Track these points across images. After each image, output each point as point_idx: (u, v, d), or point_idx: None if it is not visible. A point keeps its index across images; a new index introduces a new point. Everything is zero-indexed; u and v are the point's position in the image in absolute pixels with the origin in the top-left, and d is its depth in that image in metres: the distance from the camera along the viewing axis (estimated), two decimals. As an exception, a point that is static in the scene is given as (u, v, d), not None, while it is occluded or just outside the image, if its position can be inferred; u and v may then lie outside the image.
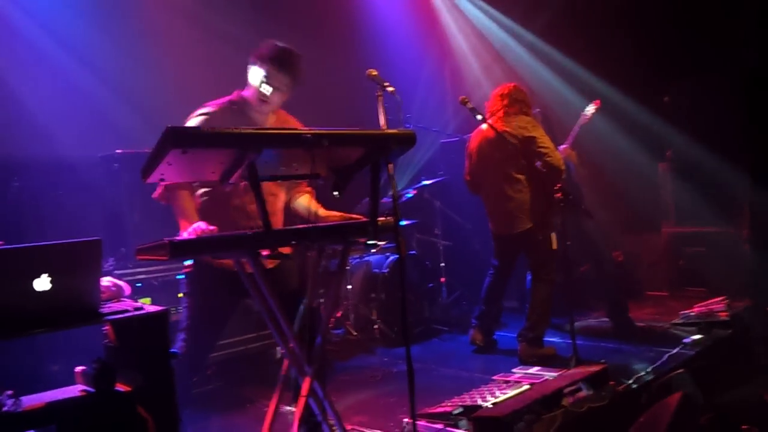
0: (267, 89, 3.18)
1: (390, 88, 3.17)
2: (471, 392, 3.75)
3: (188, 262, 3.24)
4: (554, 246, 4.89)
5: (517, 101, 4.99)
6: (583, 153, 5.63)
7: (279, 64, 3.14)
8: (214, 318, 3.29)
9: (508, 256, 5.20)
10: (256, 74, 3.19)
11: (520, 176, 4.88)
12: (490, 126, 4.70)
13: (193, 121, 3.16)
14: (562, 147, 5.43)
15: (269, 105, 3.24)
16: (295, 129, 2.55)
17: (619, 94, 6.79)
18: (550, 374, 3.91)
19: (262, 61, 3.16)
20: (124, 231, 4.36)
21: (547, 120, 5.65)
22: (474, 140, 5.16)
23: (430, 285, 6.14)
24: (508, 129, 4.84)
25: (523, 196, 4.88)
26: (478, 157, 5.09)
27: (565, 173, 4.99)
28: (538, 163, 4.79)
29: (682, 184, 6.81)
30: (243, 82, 3.28)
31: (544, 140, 4.83)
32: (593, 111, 5.56)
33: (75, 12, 5.03)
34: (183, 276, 3.30)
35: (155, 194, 3.14)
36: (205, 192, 3.26)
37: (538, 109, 5.67)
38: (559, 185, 4.38)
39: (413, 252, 6.25)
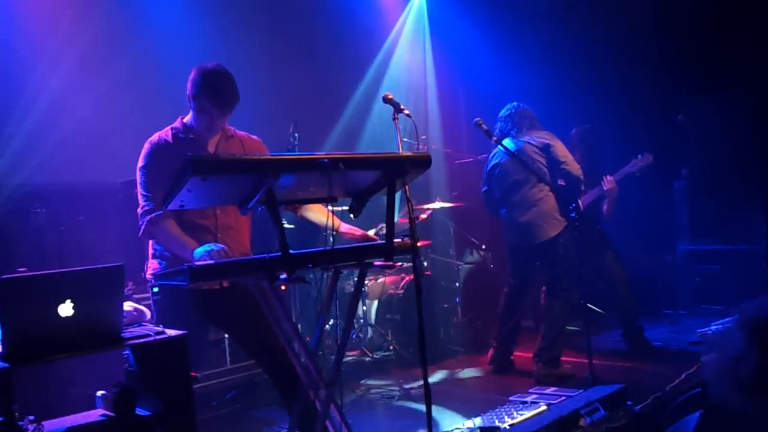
0: (211, 117, 3.19)
1: (406, 111, 3.22)
2: (488, 413, 3.74)
3: (155, 290, 3.21)
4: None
5: (526, 117, 5.10)
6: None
7: (218, 93, 3.15)
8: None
9: (525, 271, 5.20)
10: (197, 104, 3.20)
11: (542, 185, 4.90)
12: (504, 148, 4.79)
13: (142, 154, 3.21)
14: (610, 178, 5.41)
15: (215, 129, 3.28)
16: (312, 154, 2.59)
17: (632, 112, 6.81)
18: (567, 395, 3.89)
19: (200, 92, 3.16)
20: (143, 256, 4.40)
21: (587, 139, 5.69)
22: (494, 158, 5.20)
23: (445, 305, 6.14)
24: (527, 139, 4.96)
25: (545, 206, 4.89)
26: (499, 174, 5.12)
27: (587, 198, 5.05)
28: (559, 178, 4.89)
29: (697, 202, 6.79)
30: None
31: (563, 150, 4.94)
32: (642, 165, 5.47)
33: (96, 40, 5.14)
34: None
35: (140, 234, 3.17)
36: None
37: (578, 127, 5.72)
38: (574, 206, 4.43)
39: (428, 273, 6.26)
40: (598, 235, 5.55)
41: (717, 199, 6.63)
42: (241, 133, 3.45)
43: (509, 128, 5.12)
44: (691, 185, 6.83)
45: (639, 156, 5.50)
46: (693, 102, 6.77)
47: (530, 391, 4.14)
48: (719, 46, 6.51)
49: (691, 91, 6.81)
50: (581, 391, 3.92)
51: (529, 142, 4.95)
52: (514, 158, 4.89)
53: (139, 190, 3.20)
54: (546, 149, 4.91)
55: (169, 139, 3.25)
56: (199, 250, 2.83)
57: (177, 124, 3.32)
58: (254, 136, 3.48)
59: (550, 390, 4.10)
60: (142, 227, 3.15)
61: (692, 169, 6.83)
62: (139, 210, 3.17)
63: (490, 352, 5.35)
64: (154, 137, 3.27)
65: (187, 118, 3.31)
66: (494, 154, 5.22)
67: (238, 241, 3.28)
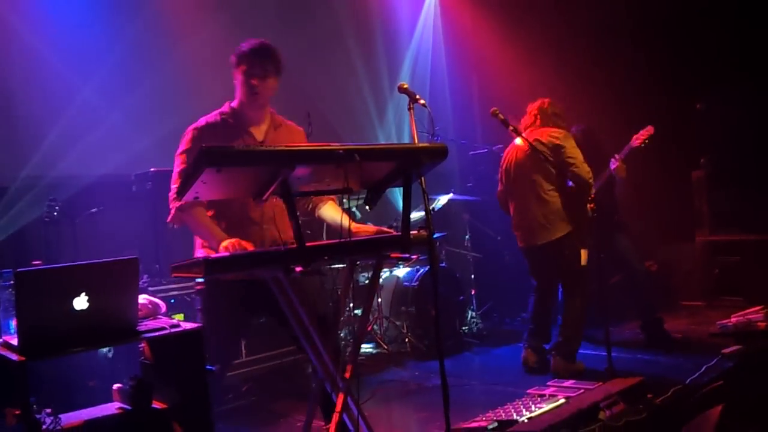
0: (254, 81, 3.16)
1: (421, 101, 3.18)
2: (505, 406, 3.69)
3: (200, 279, 3.22)
4: (583, 262, 4.77)
5: (553, 115, 4.95)
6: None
7: (257, 54, 3.15)
8: (230, 334, 3.27)
9: (543, 271, 5.05)
10: (240, 74, 3.18)
11: (548, 186, 4.80)
12: (521, 137, 4.70)
13: (186, 138, 3.18)
14: (616, 156, 5.32)
15: (260, 99, 3.22)
16: (327, 145, 2.55)
17: (650, 101, 6.72)
18: (585, 387, 3.84)
19: (241, 59, 3.16)
20: (157, 248, 4.42)
21: (589, 138, 5.55)
22: (507, 155, 5.09)
23: (461, 297, 6.10)
24: (538, 137, 4.80)
25: (550, 207, 4.78)
26: (509, 171, 5.02)
27: (596, 184, 4.94)
28: (568, 179, 4.76)
29: (716, 192, 6.70)
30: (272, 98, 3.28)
31: (573, 151, 4.75)
32: (644, 138, 5.35)
33: (111, 33, 5.14)
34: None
35: (168, 219, 3.14)
36: (208, 204, 3.23)
37: (577, 127, 5.58)
38: (592, 196, 4.34)
39: (443, 264, 6.23)
40: (614, 226, 5.47)
41: (737, 189, 6.54)
42: (289, 122, 3.41)
43: (530, 123, 5.01)
44: (710, 175, 6.74)
45: (640, 131, 5.40)
46: (712, 91, 6.66)
47: (548, 384, 4.10)
48: (739, 34, 6.41)
49: (709, 80, 6.70)
50: (600, 383, 3.87)
51: (539, 140, 4.79)
52: (525, 154, 4.81)
53: (175, 175, 3.15)
54: (556, 150, 4.74)
55: (217, 122, 3.21)
56: (225, 243, 2.80)
57: (224, 108, 3.27)
58: (299, 127, 3.44)
59: (568, 383, 4.05)
60: (172, 212, 3.11)
61: (711, 158, 6.74)
62: (170, 194, 3.13)
63: (525, 354, 5.08)
64: (200, 122, 3.22)
65: (234, 102, 3.26)
66: (508, 151, 5.12)
67: (284, 231, 3.19)
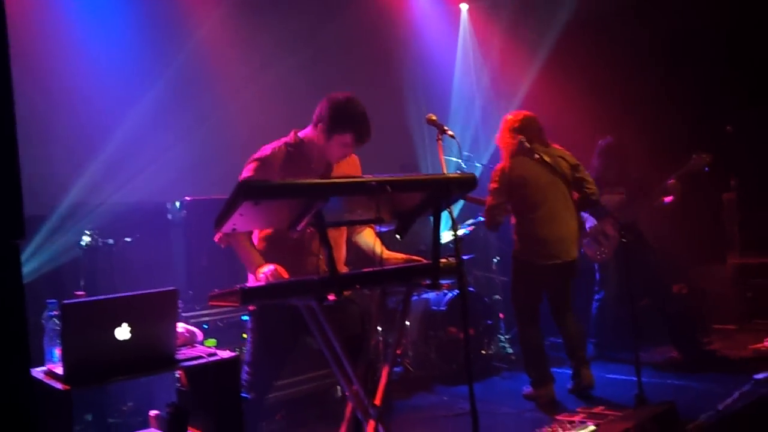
0: (344, 152, 3.29)
1: (449, 132, 3.24)
2: (535, 433, 3.71)
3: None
4: None
5: (541, 129, 4.84)
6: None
7: (363, 129, 3.22)
8: (277, 354, 3.37)
9: (542, 290, 4.93)
10: (331, 135, 3.22)
11: (570, 203, 4.80)
12: (547, 163, 4.65)
13: (249, 167, 3.24)
14: (670, 182, 5.36)
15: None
16: (359, 177, 2.62)
17: (680, 122, 6.71)
18: (615, 414, 3.84)
19: (346, 126, 3.20)
20: (191, 274, 4.50)
21: (616, 152, 5.62)
22: (520, 169, 4.74)
23: (489, 322, 6.09)
24: (560, 155, 4.79)
25: (574, 224, 4.83)
26: (530, 182, 4.71)
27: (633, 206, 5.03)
28: (575, 193, 4.79)
29: (748, 214, 6.64)
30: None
31: (586, 171, 4.88)
32: (703, 165, 5.31)
33: (141, 59, 5.26)
34: (247, 316, 3.38)
35: (216, 238, 3.24)
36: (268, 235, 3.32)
37: (604, 140, 5.64)
38: (618, 222, 4.39)
39: (471, 288, 6.23)
40: (648, 252, 5.45)
41: (768, 211, 6.49)
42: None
43: (533, 136, 4.75)
44: (741, 197, 6.69)
45: (693, 156, 5.38)
46: (742, 113, 6.63)
47: (577, 410, 4.10)
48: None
49: (740, 102, 6.67)
50: (630, 410, 3.86)
51: (563, 158, 4.74)
52: (552, 169, 4.64)
53: None
54: (576, 168, 4.78)
55: (282, 154, 3.28)
56: (263, 269, 2.89)
57: (290, 138, 3.34)
58: (354, 154, 3.50)
59: (597, 409, 4.05)
60: (219, 233, 3.16)
61: (742, 180, 6.69)
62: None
63: (587, 373, 4.85)
64: (266, 151, 3.28)
65: (304, 133, 3.33)
66: (515, 164, 4.75)
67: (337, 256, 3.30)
